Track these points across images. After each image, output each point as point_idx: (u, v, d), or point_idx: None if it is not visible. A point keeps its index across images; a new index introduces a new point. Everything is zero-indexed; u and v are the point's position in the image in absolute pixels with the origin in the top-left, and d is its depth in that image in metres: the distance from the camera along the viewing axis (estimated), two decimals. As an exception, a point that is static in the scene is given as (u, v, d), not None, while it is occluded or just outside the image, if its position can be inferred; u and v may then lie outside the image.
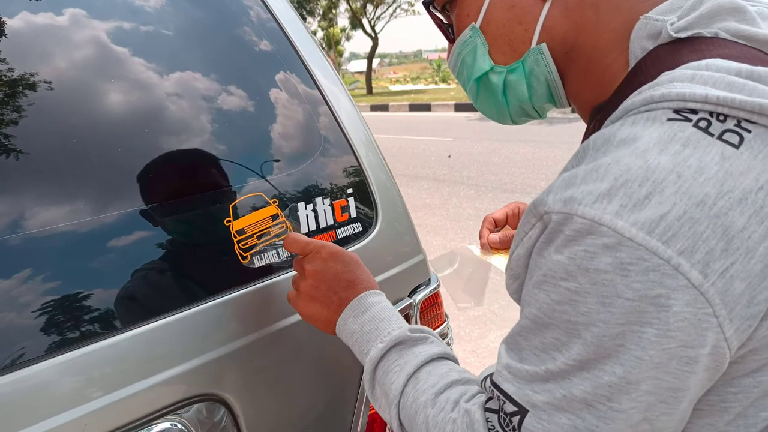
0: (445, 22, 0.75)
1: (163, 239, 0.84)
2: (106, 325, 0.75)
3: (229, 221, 0.89)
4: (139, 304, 0.78)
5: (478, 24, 0.68)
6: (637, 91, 0.53)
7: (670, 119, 0.48)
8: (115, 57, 0.89)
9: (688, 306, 0.45)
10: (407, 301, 1.13)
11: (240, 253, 0.89)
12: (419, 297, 1.16)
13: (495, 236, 0.97)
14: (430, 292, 1.19)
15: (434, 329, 1.21)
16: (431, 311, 1.20)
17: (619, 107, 0.54)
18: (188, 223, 0.88)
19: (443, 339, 1.24)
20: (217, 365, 0.83)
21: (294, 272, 0.87)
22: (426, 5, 0.73)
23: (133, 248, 0.81)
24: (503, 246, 0.97)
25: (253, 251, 0.91)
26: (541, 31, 0.64)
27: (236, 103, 1.00)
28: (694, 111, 0.48)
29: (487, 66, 0.69)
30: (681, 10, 0.57)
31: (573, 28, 0.63)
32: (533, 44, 0.65)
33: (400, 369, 0.69)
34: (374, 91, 27.69)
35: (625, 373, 0.47)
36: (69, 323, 0.72)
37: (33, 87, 0.79)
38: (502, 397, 0.55)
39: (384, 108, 18.20)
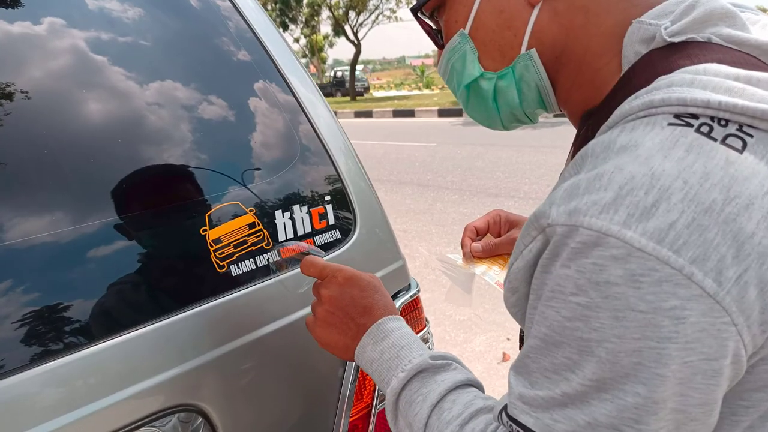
0: (433, 27, 0.75)
1: (139, 249, 0.83)
2: (82, 336, 0.74)
3: (205, 230, 0.89)
4: (114, 315, 0.78)
5: (467, 30, 0.68)
6: (633, 96, 0.52)
7: (671, 124, 0.48)
8: (91, 66, 0.89)
9: (705, 316, 0.44)
10: (387, 307, 1.13)
11: (216, 262, 0.89)
12: (399, 302, 1.16)
13: (477, 245, 0.95)
14: (411, 297, 1.20)
15: (415, 334, 1.22)
16: (412, 316, 1.20)
17: (615, 112, 0.53)
18: (164, 233, 0.88)
19: (424, 344, 1.24)
20: (195, 375, 0.83)
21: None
22: (414, 11, 0.72)
23: (109, 258, 0.80)
24: (486, 255, 0.97)
25: (230, 260, 0.91)
26: (531, 37, 0.64)
27: (212, 112, 1.00)
28: (695, 116, 0.48)
29: (476, 72, 0.69)
30: (673, 14, 0.57)
31: (562, 33, 0.63)
32: (523, 49, 0.65)
33: (423, 399, 0.65)
34: (358, 97, 27.73)
35: (649, 392, 0.45)
36: (44, 334, 0.72)
37: (9, 96, 0.79)
38: (521, 431, 0.52)
39: (368, 114, 18.24)
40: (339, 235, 1.09)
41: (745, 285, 0.44)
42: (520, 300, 0.58)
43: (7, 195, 0.75)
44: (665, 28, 0.55)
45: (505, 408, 0.55)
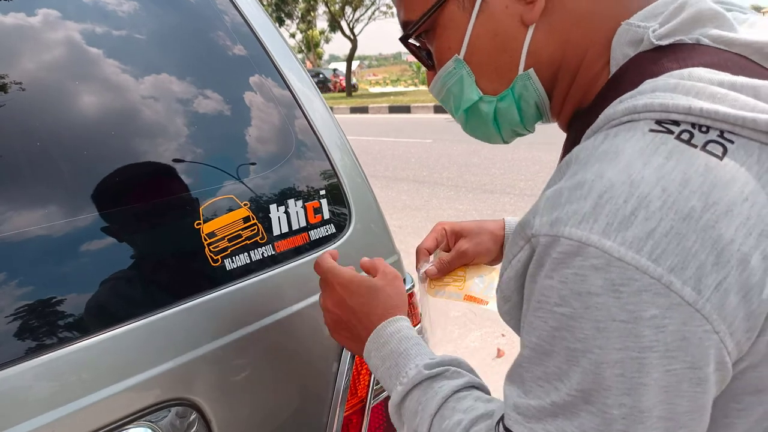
0: (422, 50, 0.73)
1: (133, 242, 0.83)
2: (75, 329, 0.74)
3: (199, 224, 0.89)
4: (108, 308, 0.78)
5: (461, 55, 0.66)
6: (618, 100, 0.52)
7: (652, 130, 0.48)
8: (85, 59, 0.89)
9: (686, 325, 0.44)
10: (382, 302, 1.13)
11: (211, 256, 0.89)
12: (394, 298, 1.16)
13: (432, 268, 0.95)
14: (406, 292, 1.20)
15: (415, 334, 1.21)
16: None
17: (601, 116, 0.53)
18: (158, 227, 0.87)
19: (423, 345, 1.24)
20: (188, 369, 0.83)
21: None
22: (404, 40, 0.70)
23: (102, 252, 0.80)
24: (442, 273, 0.96)
25: (224, 254, 0.91)
26: (528, 56, 0.63)
27: (207, 106, 1.00)
28: (676, 122, 0.48)
29: (475, 96, 0.68)
30: (662, 15, 0.56)
31: (559, 48, 0.62)
32: (520, 70, 0.64)
33: (423, 408, 0.66)
34: (354, 93, 27.67)
35: (634, 402, 0.46)
36: (36, 328, 0.71)
37: (2, 88, 0.78)
38: None
39: (364, 110, 18.21)
40: (334, 230, 1.08)
41: (726, 292, 0.44)
42: (512, 308, 0.58)
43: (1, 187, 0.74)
44: (653, 31, 0.55)
45: (502, 419, 0.56)
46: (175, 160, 0.92)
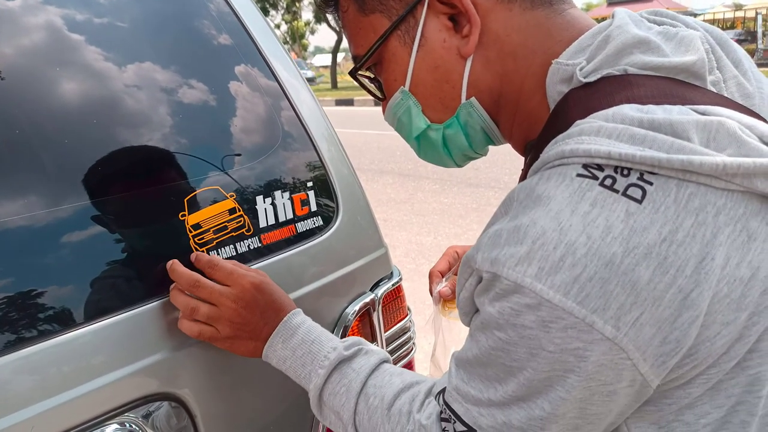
0: (374, 79, 0.77)
1: (115, 234, 0.81)
2: (56, 323, 0.72)
3: (183, 215, 0.87)
4: (90, 301, 0.76)
5: (406, 87, 0.71)
6: (553, 141, 0.56)
7: (579, 174, 0.52)
8: (66, 46, 0.87)
9: (605, 355, 0.50)
10: (369, 296, 1.13)
11: (195, 248, 0.87)
12: (381, 291, 1.15)
13: (446, 289, 0.99)
14: (393, 285, 1.19)
15: (397, 323, 1.22)
16: (393, 305, 1.20)
17: (539, 157, 0.57)
18: (142, 218, 0.86)
19: (406, 333, 1.24)
20: (173, 363, 0.81)
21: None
22: (353, 74, 0.75)
23: (84, 244, 0.78)
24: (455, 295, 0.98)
25: (209, 246, 0.89)
26: (468, 86, 0.67)
27: (192, 95, 0.98)
28: (600, 167, 0.52)
29: (423, 125, 0.72)
30: (589, 49, 0.60)
31: (497, 79, 0.67)
32: (463, 99, 0.68)
33: (347, 389, 0.74)
34: (339, 85, 27.53)
35: (552, 409, 0.54)
36: (15, 321, 0.70)
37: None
38: (453, 417, 0.61)
39: (349, 102, 18.15)
40: (321, 222, 1.07)
41: (641, 326, 0.49)
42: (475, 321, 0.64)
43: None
44: (580, 69, 0.59)
45: (443, 392, 0.64)
46: (159, 151, 0.90)
